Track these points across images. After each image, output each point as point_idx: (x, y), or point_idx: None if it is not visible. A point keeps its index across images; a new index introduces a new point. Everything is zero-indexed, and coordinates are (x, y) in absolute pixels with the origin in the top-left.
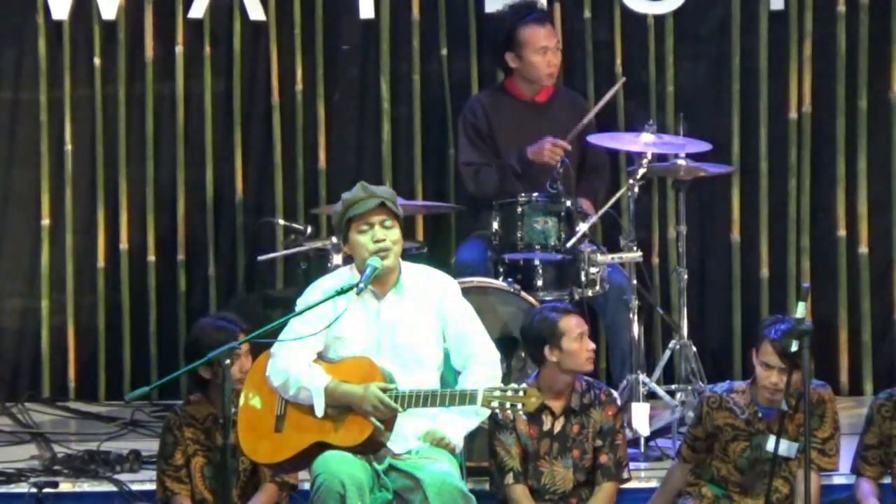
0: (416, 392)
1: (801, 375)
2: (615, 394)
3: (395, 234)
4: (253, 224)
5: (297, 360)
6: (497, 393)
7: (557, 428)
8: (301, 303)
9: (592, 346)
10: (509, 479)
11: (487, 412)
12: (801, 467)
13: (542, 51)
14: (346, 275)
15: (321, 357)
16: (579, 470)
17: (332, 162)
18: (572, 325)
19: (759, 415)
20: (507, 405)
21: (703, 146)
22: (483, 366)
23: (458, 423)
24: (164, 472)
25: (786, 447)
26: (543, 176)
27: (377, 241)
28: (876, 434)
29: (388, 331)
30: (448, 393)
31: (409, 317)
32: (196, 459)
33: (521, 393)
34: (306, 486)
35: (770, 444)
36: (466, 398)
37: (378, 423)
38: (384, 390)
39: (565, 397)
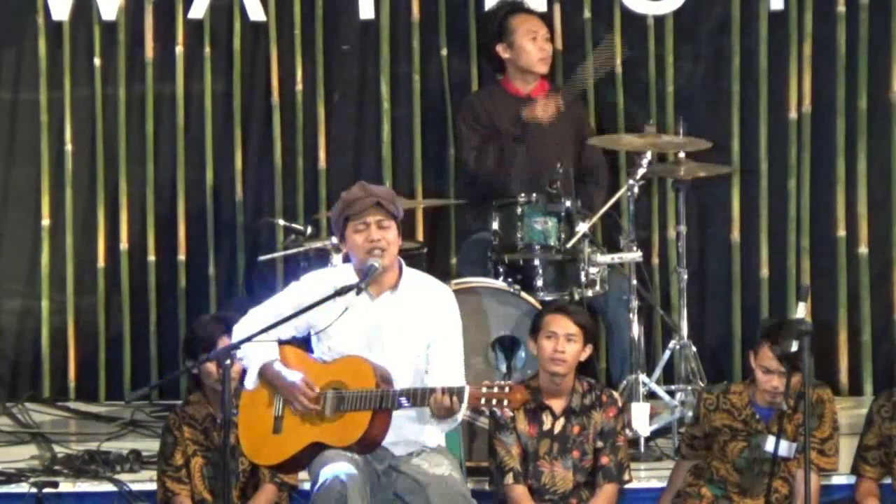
0: (404, 391)
1: (800, 377)
2: (616, 395)
3: (391, 234)
4: (253, 224)
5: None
6: (483, 390)
7: (557, 428)
8: (294, 286)
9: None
10: (509, 479)
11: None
12: (800, 468)
13: (533, 36)
14: (344, 273)
15: (314, 356)
16: (579, 471)
17: (332, 162)
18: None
19: (757, 415)
20: (493, 402)
21: (703, 146)
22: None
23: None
24: (165, 473)
25: (785, 447)
26: (543, 175)
27: (371, 241)
28: (875, 435)
29: (378, 331)
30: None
31: (401, 319)
32: (195, 460)
33: (506, 389)
34: (306, 486)
35: (769, 445)
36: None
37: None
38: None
39: (566, 398)
